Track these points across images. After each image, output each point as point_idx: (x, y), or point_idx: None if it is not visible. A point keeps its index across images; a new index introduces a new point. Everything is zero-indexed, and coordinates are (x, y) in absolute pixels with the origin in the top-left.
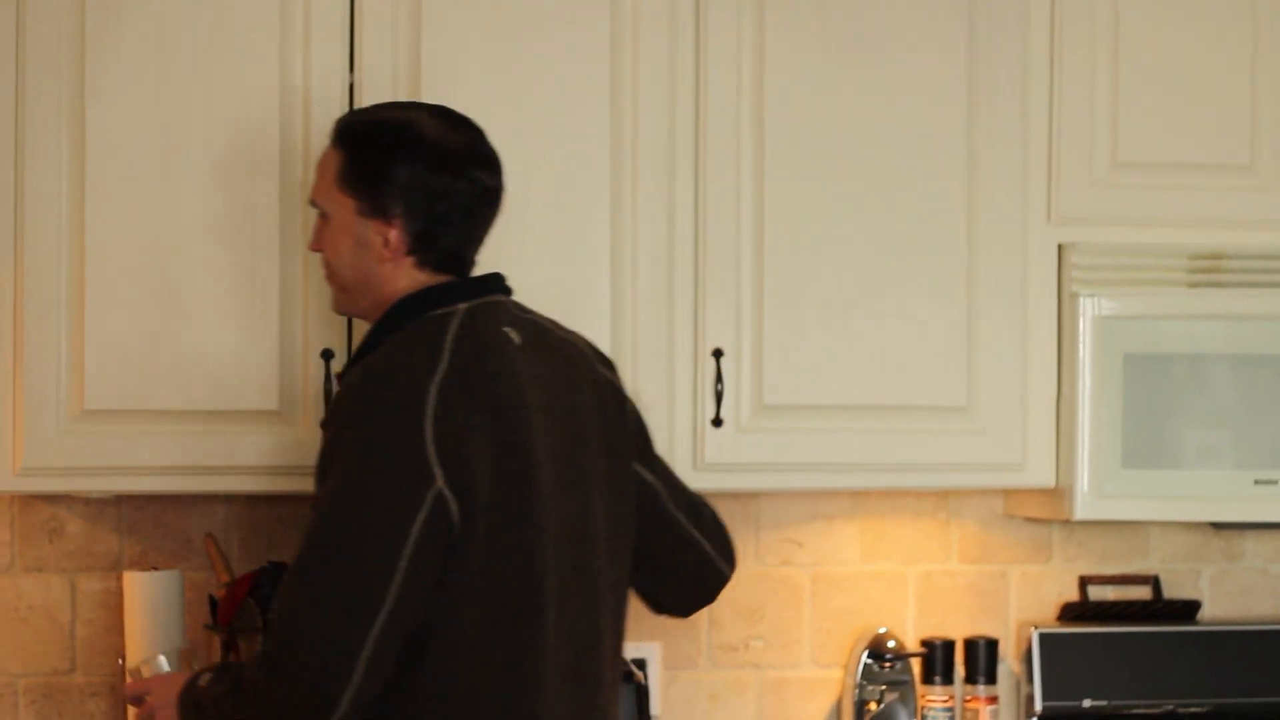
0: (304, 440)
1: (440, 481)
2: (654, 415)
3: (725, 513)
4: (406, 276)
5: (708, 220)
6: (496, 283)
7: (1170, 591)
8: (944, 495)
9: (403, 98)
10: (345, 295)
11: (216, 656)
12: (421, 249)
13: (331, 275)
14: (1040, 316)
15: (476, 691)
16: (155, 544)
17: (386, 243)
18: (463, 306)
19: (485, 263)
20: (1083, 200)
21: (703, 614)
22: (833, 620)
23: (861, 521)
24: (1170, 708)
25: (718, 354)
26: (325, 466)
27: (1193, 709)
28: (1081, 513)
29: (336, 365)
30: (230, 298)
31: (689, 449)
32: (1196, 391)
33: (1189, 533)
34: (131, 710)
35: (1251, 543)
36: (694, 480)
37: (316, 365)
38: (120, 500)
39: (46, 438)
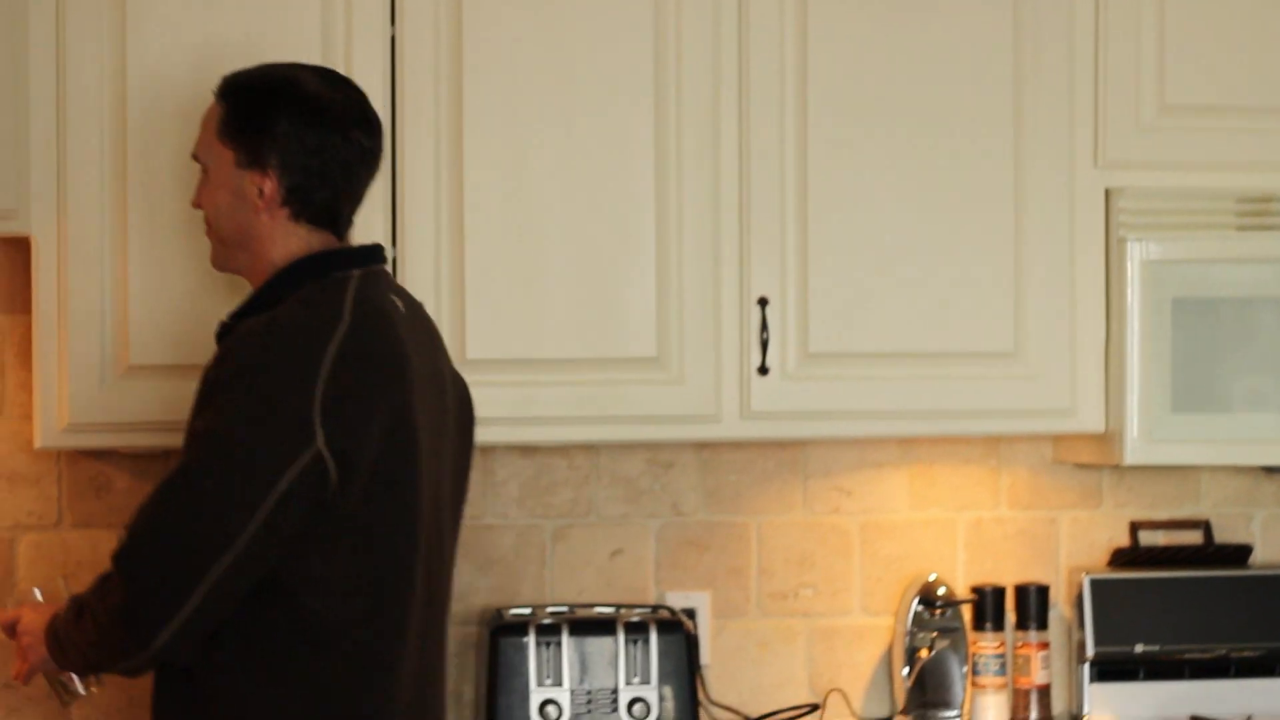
0: None
1: (320, 442)
2: (700, 365)
3: (773, 462)
4: (285, 232)
5: (752, 170)
6: (381, 252)
7: (1221, 536)
8: (993, 442)
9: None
10: (224, 250)
11: None
12: (296, 202)
13: (210, 229)
14: (1088, 261)
15: (345, 642)
16: None
17: (261, 193)
18: (357, 272)
19: (529, 212)
20: (1130, 145)
21: (752, 563)
22: (882, 568)
23: (910, 469)
24: (1223, 652)
25: (763, 302)
26: (205, 402)
27: (1245, 653)
28: (1132, 458)
29: None
30: None
31: (736, 398)
32: (1246, 335)
33: (1240, 477)
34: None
35: None
36: (742, 429)
37: None
38: (167, 455)
39: (92, 394)
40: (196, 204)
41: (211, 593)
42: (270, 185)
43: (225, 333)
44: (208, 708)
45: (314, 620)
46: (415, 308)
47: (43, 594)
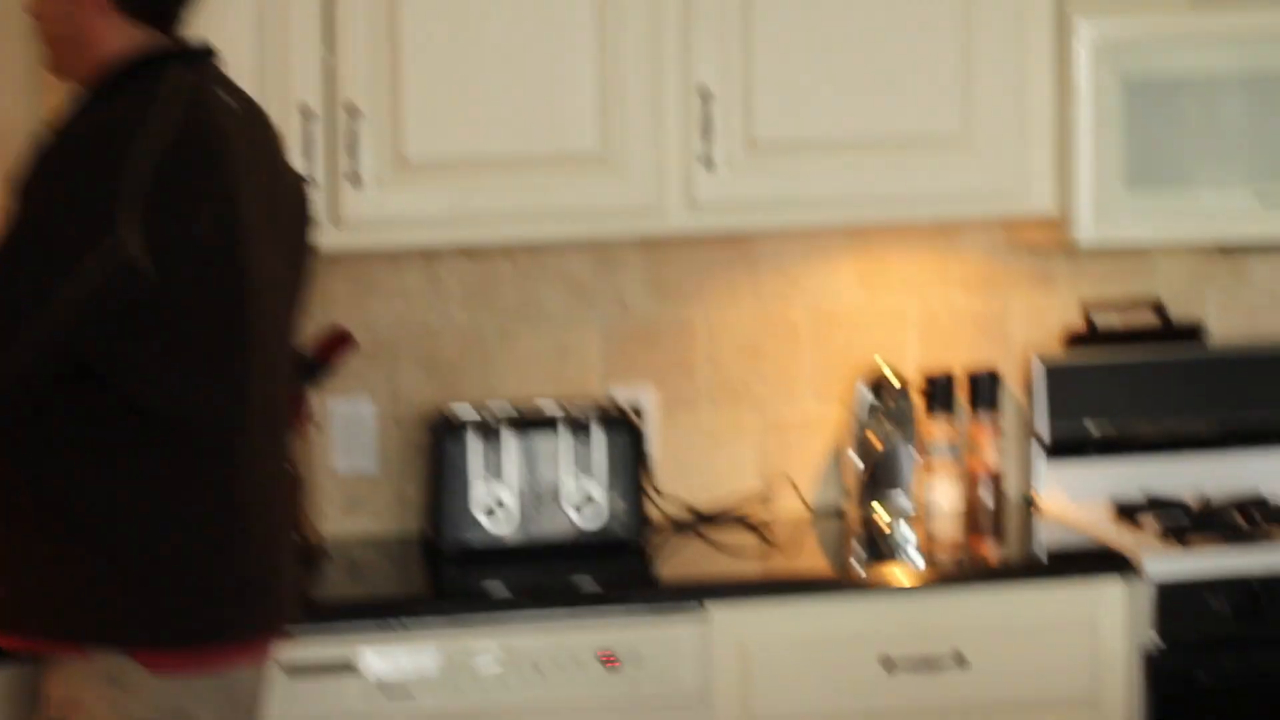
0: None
1: (123, 231)
2: (643, 159)
3: (722, 257)
4: (114, 30)
5: None
6: (211, 51)
7: (1176, 315)
8: (944, 228)
9: None
10: (57, 56)
11: None
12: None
13: (43, 34)
14: (1037, 41)
15: (176, 435)
16: None
17: None
18: (183, 69)
19: (464, 6)
20: None
21: (700, 356)
22: (834, 357)
23: (860, 258)
24: (1176, 429)
25: (705, 94)
26: (22, 197)
27: (1199, 430)
28: (1084, 238)
29: (321, 120)
30: None
31: (681, 191)
32: (1200, 112)
33: (1194, 257)
34: None
35: (1258, 264)
36: (689, 221)
37: (296, 121)
38: None
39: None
40: (30, 10)
41: (9, 368)
42: None
43: None
44: (47, 508)
45: (143, 412)
46: (250, 105)
47: None
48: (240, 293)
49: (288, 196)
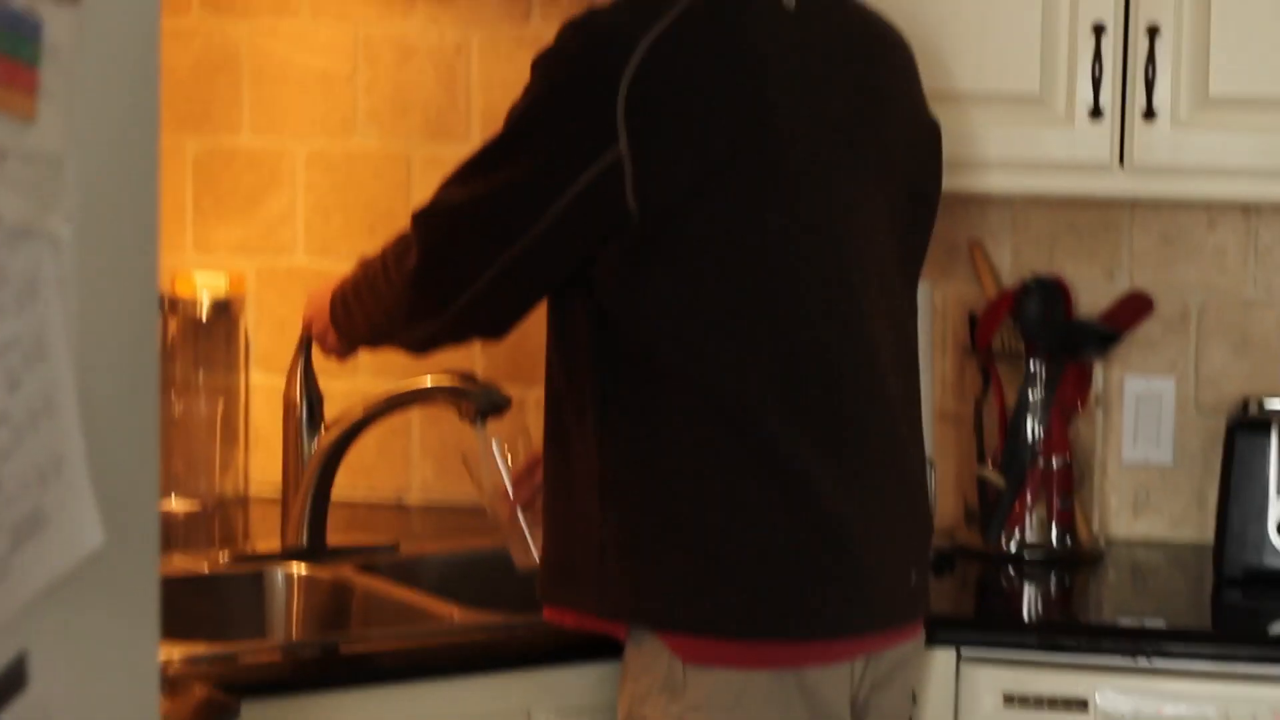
0: (1068, 132)
1: (622, 146)
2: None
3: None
4: None
5: None
6: None
7: None
8: None
9: None
10: None
11: (971, 383)
12: None
13: None
14: None
15: (699, 394)
16: None
17: None
18: None
19: None
20: None
21: None
22: None
23: None
24: None
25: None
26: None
27: None
28: None
29: (1111, 40)
30: None
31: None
32: None
33: None
34: None
35: None
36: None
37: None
38: None
39: None
40: None
41: (503, 275)
42: None
43: None
44: (586, 473)
45: (654, 359)
46: (827, 9)
47: (500, 451)
48: (768, 240)
49: (890, 126)
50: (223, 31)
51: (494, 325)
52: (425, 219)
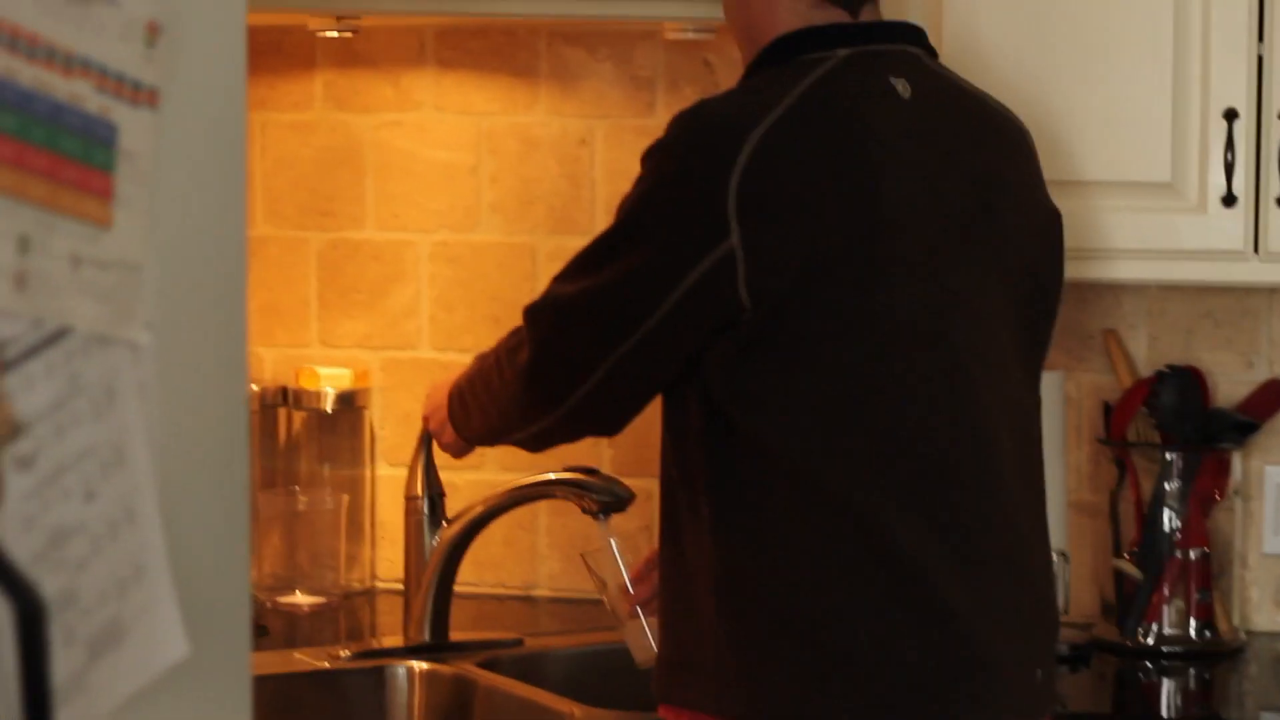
0: (1201, 219)
1: (734, 239)
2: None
3: None
4: (783, 8)
5: None
6: (901, 31)
7: None
8: None
9: None
10: (739, 46)
11: (1106, 474)
12: None
13: (729, 25)
14: None
15: (805, 482)
16: None
17: None
18: (843, 52)
19: None
20: None
21: None
22: None
23: None
24: None
25: None
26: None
27: None
28: None
29: (1244, 126)
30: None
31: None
32: None
33: None
34: None
35: None
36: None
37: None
38: None
39: None
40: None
41: (616, 370)
42: None
43: None
44: (697, 568)
45: (767, 452)
46: (950, 91)
47: (620, 548)
48: (874, 326)
49: (1009, 215)
50: (346, 125)
51: (608, 421)
52: (537, 314)
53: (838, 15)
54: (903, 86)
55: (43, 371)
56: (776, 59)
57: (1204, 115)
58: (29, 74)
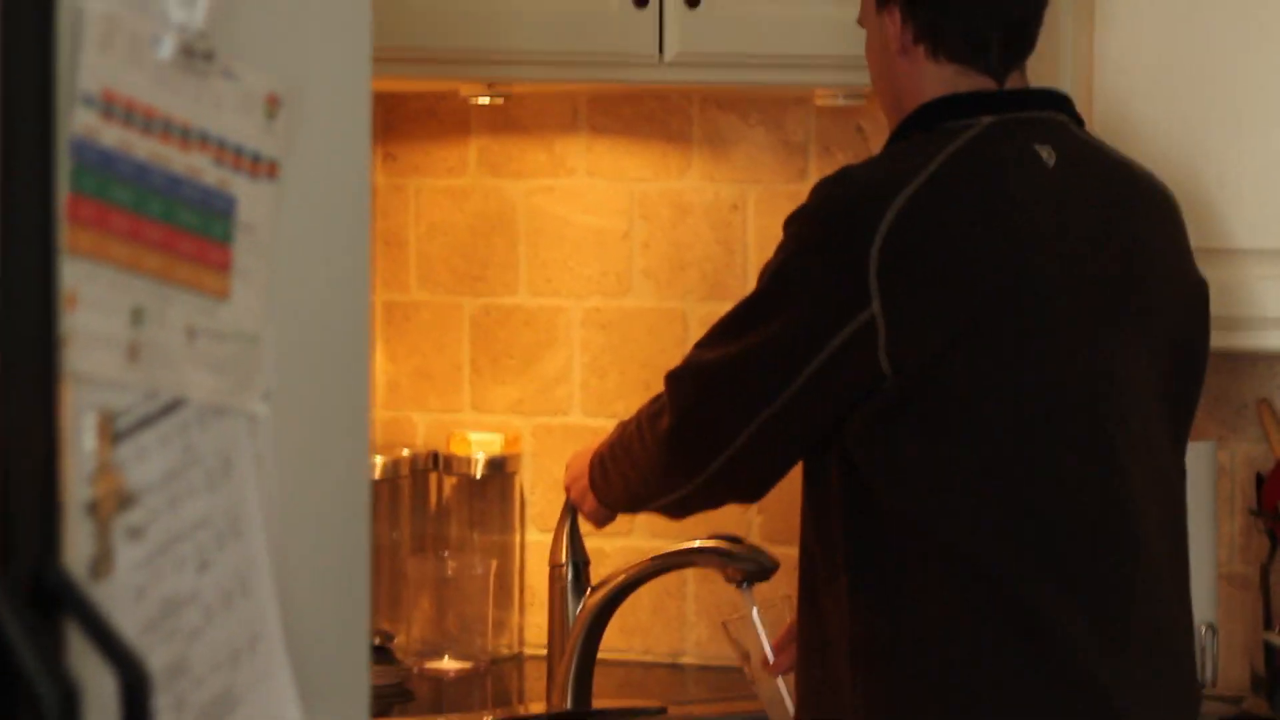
0: None
1: (875, 307)
2: None
3: None
4: (928, 76)
5: None
6: (1047, 98)
7: None
8: None
9: None
10: (885, 113)
11: (1258, 545)
12: (927, 34)
13: (875, 89)
14: None
15: (948, 557)
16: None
17: (893, 30)
18: (987, 120)
19: None
20: None
21: None
22: None
23: None
24: None
25: None
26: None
27: None
28: None
29: None
30: None
31: None
32: None
33: None
34: None
35: None
36: None
37: None
38: None
39: None
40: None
41: (757, 437)
42: (895, 17)
43: None
44: (835, 637)
45: (907, 521)
46: (1095, 157)
47: (761, 618)
48: (1020, 398)
49: (1154, 284)
50: (499, 191)
51: (749, 488)
52: (678, 380)
53: (983, 82)
54: (1047, 154)
55: (156, 442)
56: (921, 125)
57: None
58: (145, 147)
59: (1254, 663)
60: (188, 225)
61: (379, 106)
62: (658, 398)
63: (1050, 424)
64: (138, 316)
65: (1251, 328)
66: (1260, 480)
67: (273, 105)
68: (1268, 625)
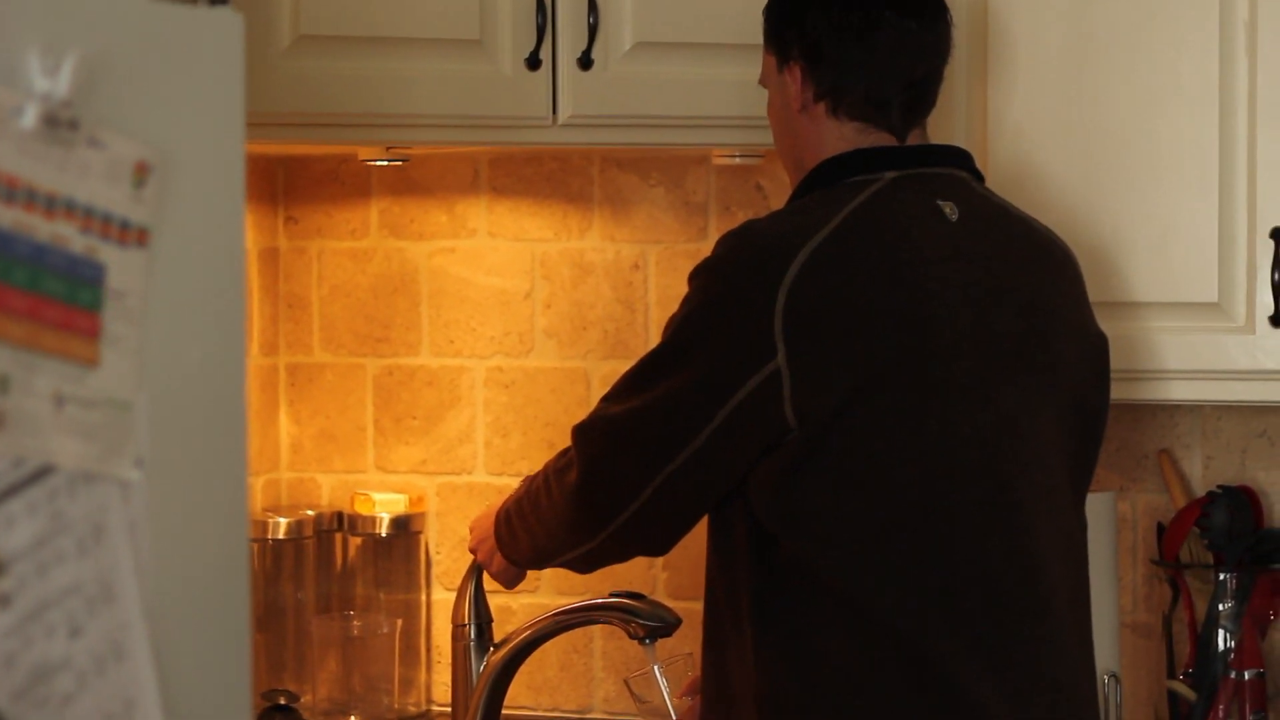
0: (1249, 339)
1: (780, 359)
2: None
3: None
4: (830, 133)
5: None
6: (948, 155)
7: None
8: None
9: None
10: (787, 171)
11: (1160, 595)
12: (829, 93)
13: (777, 147)
14: None
15: (852, 606)
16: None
17: (794, 89)
18: (890, 175)
19: None
20: None
21: None
22: None
23: None
24: None
25: None
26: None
27: None
28: None
29: None
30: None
31: None
32: None
33: None
34: None
35: None
36: None
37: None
38: None
39: None
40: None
41: (664, 490)
42: (797, 75)
43: None
44: (737, 688)
45: (811, 574)
46: (996, 214)
47: (664, 673)
48: (925, 447)
49: (1056, 339)
50: (401, 252)
51: (656, 541)
52: (585, 433)
53: (884, 139)
54: (950, 209)
55: (24, 510)
56: (824, 182)
57: (1250, 235)
58: (8, 216)
59: (1158, 711)
60: (54, 293)
61: (280, 170)
62: (565, 452)
63: (954, 478)
64: (3, 385)
65: (1151, 379)
66: (1161, 530)
67: (141, 172)
68: (1171, 674)
